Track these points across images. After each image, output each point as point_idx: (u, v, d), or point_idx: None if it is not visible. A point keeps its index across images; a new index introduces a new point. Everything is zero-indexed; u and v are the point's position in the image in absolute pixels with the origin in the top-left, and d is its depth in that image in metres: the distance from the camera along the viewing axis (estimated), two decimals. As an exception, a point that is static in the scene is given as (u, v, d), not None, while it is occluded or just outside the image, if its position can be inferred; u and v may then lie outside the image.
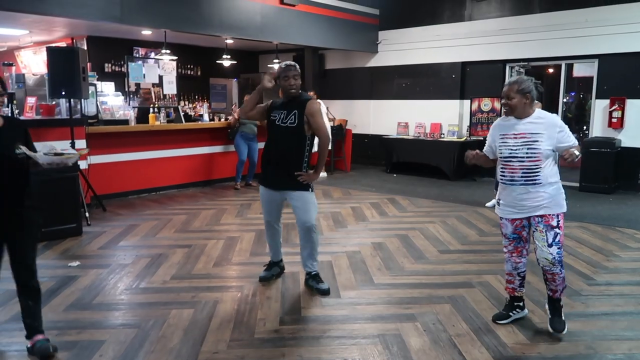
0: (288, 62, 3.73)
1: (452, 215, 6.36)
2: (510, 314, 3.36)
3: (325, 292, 3.80)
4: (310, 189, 3.78)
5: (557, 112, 8.60)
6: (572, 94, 11.78)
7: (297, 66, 3.71)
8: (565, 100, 9.09)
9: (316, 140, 3.79)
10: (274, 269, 4.15)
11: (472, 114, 9.32)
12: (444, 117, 9.77)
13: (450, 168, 9.16)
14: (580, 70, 9.38)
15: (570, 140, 3.07)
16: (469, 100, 9.38)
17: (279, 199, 3.86)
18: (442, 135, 9.65)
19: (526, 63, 8.90)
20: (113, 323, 3.35)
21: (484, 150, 3.36)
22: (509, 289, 3.38)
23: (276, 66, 10.22)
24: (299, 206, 3.77)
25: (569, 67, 8.82)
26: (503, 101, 3.12)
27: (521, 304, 3.39)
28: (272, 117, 3.74)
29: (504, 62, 9.08)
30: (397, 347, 3.02)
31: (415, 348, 3.00)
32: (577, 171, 8.05)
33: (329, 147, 3.75)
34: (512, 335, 3.17)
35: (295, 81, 3.65)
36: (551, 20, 8.39)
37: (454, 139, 9.41)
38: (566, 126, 3.10)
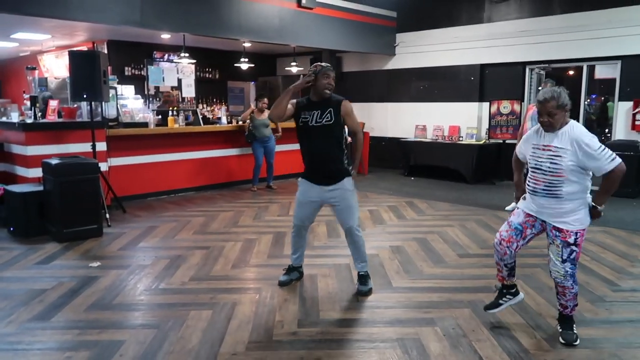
0: (328, 64, 3.80)
1: (471, 219, 6.29)
2: (500, 302, 3.32)
3: (361, 293, 3.83)
4: (352, 182, 3.82)
5: (578, 115, 8.47)
6: (594, 96, 11.58)
7: (332, 68, 3.80)
8: (587, 102, 8.93)
9: None
10: (293, 274, 4.14)
11: (491, 117, 9.22)
12: (463, 119, 9.68)
13: (469, 171, 9.07)
14: (602, 72, 9.20)
15: (599, 162, 2.83)
16: (488, 103, 9.28)
17: (317, 199, 3.85)
18: (461, 138, 9.56)
19: (546, 65, 8.78)
20: (133, 323, 3.38)
21: (515, 150, 3.35)
22: (499, 276, 3.34)
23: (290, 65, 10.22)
24: (340, 207, 3.80)
25: (591, 69, 8.66)
26: (544, 119, 2.92)
27: (513, 290, 3.32)
28: (304, 119, 3.76)
29: (523, 64, 8.97)
30: (417, 351, 2.98)
31: (435, 353, 2.97)
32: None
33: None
34: (534, 342, 3.11)
35: (332, 82, 3.74)
36: (572, 21, 8.27)
37: (473, 141, 9.32)
38: (598, 145, 2.85)
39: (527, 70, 8.96)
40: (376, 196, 7.80)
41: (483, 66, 9.48)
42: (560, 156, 2.91)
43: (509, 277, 3.29)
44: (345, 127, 3.85)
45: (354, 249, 3.92)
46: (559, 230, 3.00)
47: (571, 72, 10.53)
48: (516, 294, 3.34)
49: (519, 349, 3.02)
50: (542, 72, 8.91)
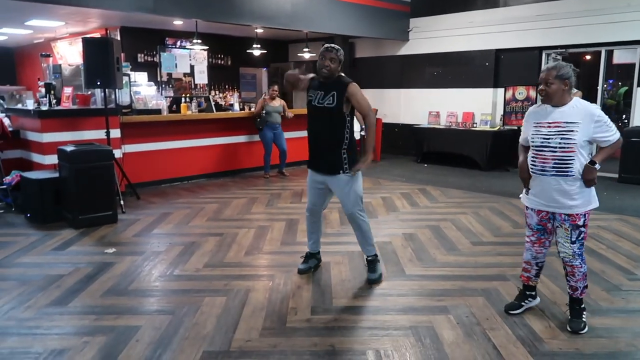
0: (330, 45, 3.65)
1: (484, 206, 6.25)
2: (523, 303, 3.33)
3: (372, 281, 3.82)
4: (349, 173, 3.71)
5: (596, 101, 8.33)
6: (611, 81, 11.36)
7: (338, 50, 3.62)
8: (604, 87, 8.75)
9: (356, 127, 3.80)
10: (312, 261, 4.10)
11: (506, 103, 9.10)
12: (477, 106, 9.57)
13: (482, 158, 8.98)
14: (622, 56, 9.02)
15: (608, 133, 2.91)
16: (503, 89, 9.16)
17: (323, 184, 3.83)
18: (475, 125, 9.46)
19: (563, 50, 8.61)
20: (148, 309, 3.42)
21: (520, 141, 3.27)
22: (523, 277, 3.34)
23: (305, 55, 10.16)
24: (340, 193, 3.77)
25: (609, 54, 8.49)
26: (541, 87, 2.98)
27: (533, 293, 3.36)
28: (310, 97, 3.71)
29: (539, 49, 8.81)
30: (430, 339, 2.98)
31: (449, 341, 2.97)
32: (616, 162, 7.78)
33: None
34: (549, 330, 3.09)
35: (328, 63, 3.58)
36: (590, 5, 8.08)
37: (487, 128, 9.22)
38: (606, 117, 2.93)
39: (544, 55, 8.81)
40: (389, 183, 7.78)
41: (498, 51, 9.34)
42: (572, 131, 2.90)
43: (535, 277, 3.31)
44: (356, 122, 3.79)
45: (360, 234, 3.89)
46: (569, 215, 2.99)
47: (589, 57, 10.32)
48: (535, 297, 3.37)
49: (533, 337, 3.01)
50: (559, 57, 8.73)
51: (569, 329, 3.08)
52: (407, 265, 4.22)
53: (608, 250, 4.57)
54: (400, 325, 3.15)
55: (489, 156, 8.91)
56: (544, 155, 2.99)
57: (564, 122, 2.93)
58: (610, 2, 7.88)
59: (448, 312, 3.33)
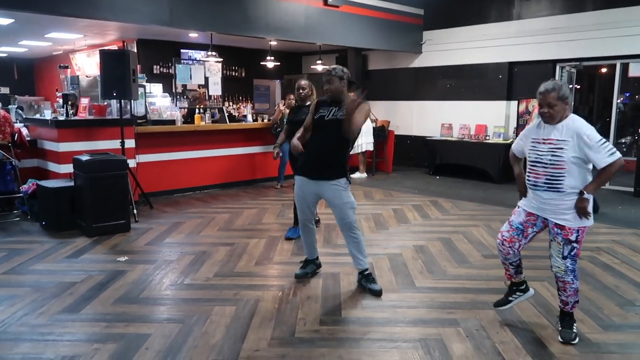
0: (328, 68, 3.84)
1: (496, 219, 6.20)
2: (510, 298, 3.35)
3: (377, 294, 3.81)
4: (346, 182, 3.80)
5: (610, 114, 8.26)
6: (627, 94, 11.25)
7: (336, 70, 3.79)
8: (619, 101, 8.67)
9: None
10: (310, 267, 4.19)
11: (519, 116, 9.04)
12: (490, 118, 9.54)
13: (495, 170, 8.93)
14: (637, 70, 8.93)
15: (600, 154, 2.84)
16: (516, 102, 9.12)
17: (313, 193, 3.87)
18: (488, 137, 9.42)
19: (578, 63, 8.57)
20: (158, 317, 3.45)
21: (512, 148, 3.34)
22: (507, 274, 3.34)
23: (320, 68, 10.23)
24: (335, 204, 3.81)
25: (625, 67, 8.41)
26: (544, 110, 2.96)
27: (522, 287, 3.34)
28: (321, 114, 3.80)
29: (553, 62, 8.77)
30: (439, 352, 2.96)
31: (458, 354, 2.94)
32: (631, 175, 7.68)
33: (357, 137, 3.89)
34: (560, 345, 3.05)
35: (327, 86, 3.77)
36: (605, 18, 8.04)
37: (500, 140, 9.17)
38: (599, 137, 2.87)
39: (558, 68, 8.76)
40: (401, 195, 7.76)
41: (512, 64, 9.31)
42: (561, 148, 2.93)
43: (516, 274, 3.31)
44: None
45: (356, 245, 3.90)
46: (561, 227, 3.00)
47: (604, 70, 10.25)
48: (526, 290, 3.36)
49: (544, 352, 2.97)
50: (573, 70, 8.69)
51: (560, 339, 3.08)
52: (417, 277, 4.21)
53: (622, 265, 4.50)
54: (409, 338, 3.14)
55: (501, 169, 8.85)
56: (537, 170, 3.04)
57: (556, 140, 2.97)
58: (625, 15, 7.83)
59: (458, 325, 3.31)
